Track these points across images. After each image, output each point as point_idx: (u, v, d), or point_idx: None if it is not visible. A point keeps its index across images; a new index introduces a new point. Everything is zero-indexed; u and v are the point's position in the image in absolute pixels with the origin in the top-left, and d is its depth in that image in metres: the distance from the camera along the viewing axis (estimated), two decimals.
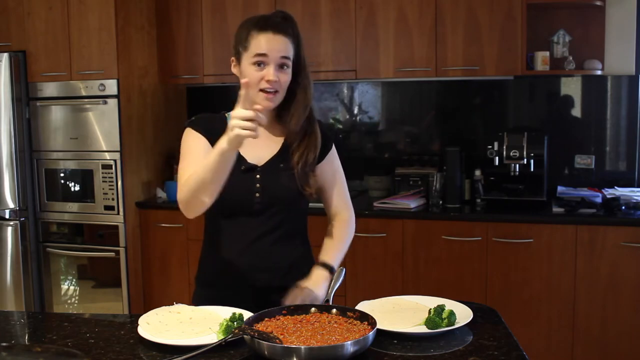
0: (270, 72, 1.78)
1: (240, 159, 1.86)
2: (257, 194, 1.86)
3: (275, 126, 1.93)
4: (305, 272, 1.90)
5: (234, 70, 1.89)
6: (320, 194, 1.99)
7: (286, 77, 1.82)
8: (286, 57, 1.81)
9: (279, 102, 1.84)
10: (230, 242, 1.88)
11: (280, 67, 1.80)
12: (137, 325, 1.64)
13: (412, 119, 4.14)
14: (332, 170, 1.99)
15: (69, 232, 4.02)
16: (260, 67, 1.79)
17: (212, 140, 1.83)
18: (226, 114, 1.95)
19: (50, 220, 4.04)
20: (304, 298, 1.77)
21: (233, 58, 1.88)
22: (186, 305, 1.78)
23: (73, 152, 3.95)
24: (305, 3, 3.82)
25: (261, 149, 1.89)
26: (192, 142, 1.88)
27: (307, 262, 1.95)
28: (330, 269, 1.87)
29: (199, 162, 1.74)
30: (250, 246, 1.87)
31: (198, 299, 1.93)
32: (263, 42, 1.79)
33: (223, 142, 1.62)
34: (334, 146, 2.01)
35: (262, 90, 1.79)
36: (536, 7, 3.59)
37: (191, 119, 1.94)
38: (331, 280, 1.84)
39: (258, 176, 1.87)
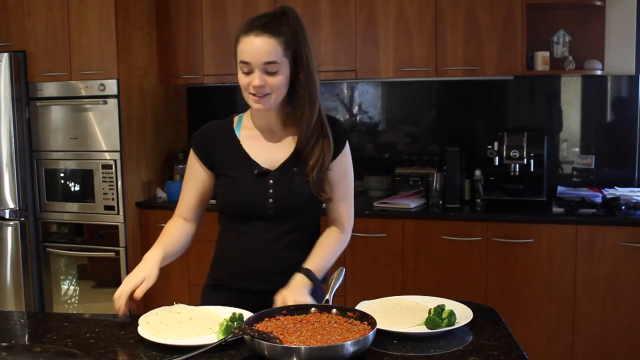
0: (255, 78, 1.74)
1: (252, 163, 1.85)
2: (270, 200, 1.83)
3: (286, 129, 1.88)
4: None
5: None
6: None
7: (275, 80, 1.74)
8: (270, 62, 1.73)
9: (274, 103, 1.79)
10: (243, 245, 1.87)
11: (267, 72, 1.73)
12: (137, 325, 1.64)
13: (412, 119, 4.14)
14: (340, 172, 1.90)
15: (69, 232, 4.02)
16: (247, 73, 1.75)
17: (210, 159, 1.88)
18: (235, 117, 1.94)
19: (50, 220, 4.04)
20: (284, 301, 1.72)
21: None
22: (186, 305, 1.78)
23: (73, 152, 3.95)
24: (305, 3, 3.82)
25: (273, 152, 1.87)
26: (190, 167, 1.93)
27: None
28: (310, 276, 1.81)
29: (191, 190, 1.91)
30: (264, 250, 1.85)
31: (207, 299, 1.92)
32: (245, 48, 1.73)
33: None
34: (347, 146, 1.92)
35: (251, 94, 1.77)
36: (536, 7, 3.59)
37: (195, 132, 1.94)
38: (313, 286, 1.80)
39: (271, 181, 1.84)
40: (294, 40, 1.77)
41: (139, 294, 1.73)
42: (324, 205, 1.95)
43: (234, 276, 1.90)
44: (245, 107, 1.93)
